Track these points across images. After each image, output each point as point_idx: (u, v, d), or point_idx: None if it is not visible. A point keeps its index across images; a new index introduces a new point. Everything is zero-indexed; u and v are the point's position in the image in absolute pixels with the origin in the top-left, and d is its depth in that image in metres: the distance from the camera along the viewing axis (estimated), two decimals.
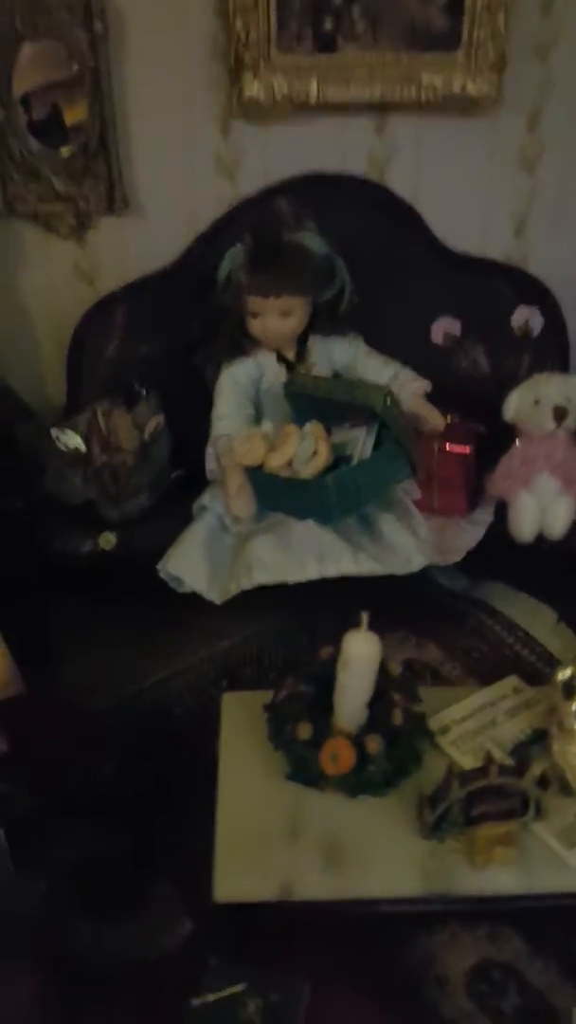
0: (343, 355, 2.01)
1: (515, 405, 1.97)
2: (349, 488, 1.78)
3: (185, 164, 2.03)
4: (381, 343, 2.04)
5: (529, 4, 1.91)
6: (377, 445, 1.83)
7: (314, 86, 1.91)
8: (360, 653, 1.36)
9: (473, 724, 1.53)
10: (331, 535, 1.78)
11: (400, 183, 2.09)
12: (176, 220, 2.05)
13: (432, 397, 1.97)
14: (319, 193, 2.05)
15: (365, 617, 1.36)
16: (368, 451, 1.82)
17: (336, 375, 2.02)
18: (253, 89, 1.90)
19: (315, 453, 1.80)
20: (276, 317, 1.88)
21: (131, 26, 1.89)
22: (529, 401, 1.95)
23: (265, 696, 1.48)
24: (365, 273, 2.01)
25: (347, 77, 1.92)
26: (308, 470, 1.79)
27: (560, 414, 1.91)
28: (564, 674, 1.41)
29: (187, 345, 2.02)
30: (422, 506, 1.97)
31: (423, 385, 1.97)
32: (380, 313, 2.06)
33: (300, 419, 1.88)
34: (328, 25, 1.88)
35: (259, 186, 2.05)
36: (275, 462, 1.80)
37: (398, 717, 1.39)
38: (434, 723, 1.51)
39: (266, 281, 1.84)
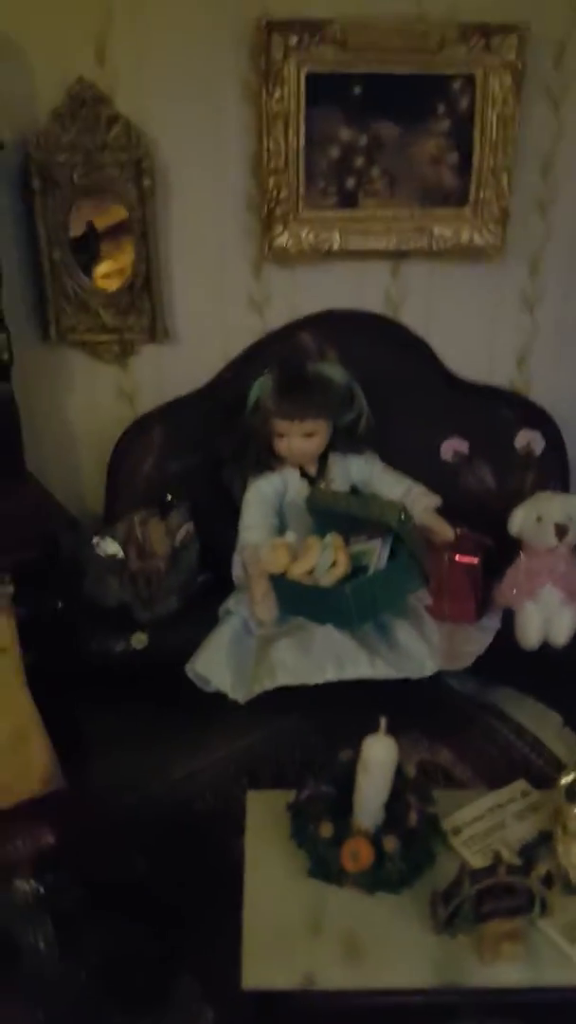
0: (360, 471, 2.18)
1: (519, 521, 2.12)
2: (366, 597, 1.91)
3: (220, 300, 2.25)
4: (396, 460, 2.22)
5: (530, 166, 2.16)
6: (392, 556, 1.97)
7: (337, 237, 2.15)
8: (378, 757, 1.47)
9: (484, 825, 1.62)
10: (349, 640, 1.91)
11: (413, 319, 2.30)
12: (210, 349, 2.26)
13: (442, 511, 2.12)
14: (340, 327, 2.26)
15: (384, 722, 1.48)
16: (384, 562, 1.97)
17: (354, 489, 2.19)
18: (283, 239, 2.13)
19: (335, 563, 1.94)
20: (300, 438, 2.06)
21: (175, 181, 2.13)
22: (532, 518, 2.10)
23: (287, 796, 1.58)
24: (381, 398, 2.20)
25: (366, 229, 2.16)
26: (328, 579, 1.93)
27: (561, 531, 2.06)
28: (567, 779, 1.52)
29: (216, 461, 2.19)
30: (434, 613, 2.09)
31: (434, 500, 2.13)
32: (395, 433, 2.24)
33: (321, 530, 2.03)
34: (351, 183, 2.13)
35: (286, 320, 2.27)
36: (298, 570, 1.95)
37: (413, 818, 1.49)
38: (447, 824, 1.59)
39: (292, 406, 2.03)
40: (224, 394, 2.23)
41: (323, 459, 2.15)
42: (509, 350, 2.37)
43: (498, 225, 2.15)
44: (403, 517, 1.92)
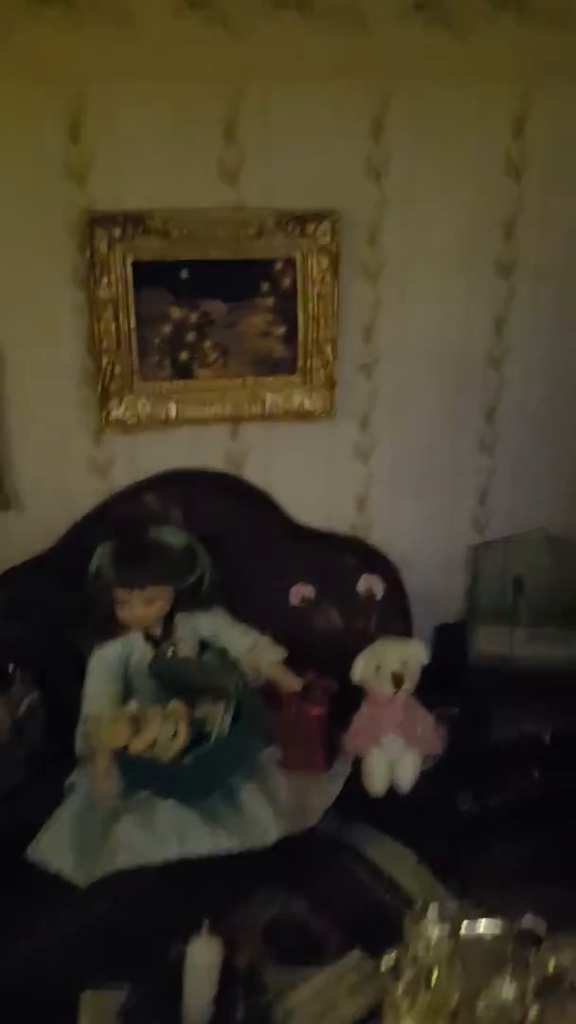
0: (207, 627, 2.24)
1: (360, 670, 2.20)
2: (206, 769, 1.96)
3: (62, 466, 2.29)
4: (246, 608, 2.29)
5: (354, 334, 2.31)
6: (236, 718, 2.03)
7: (173, 408, 2.23)
8: (202, 960, 1.50)
9: (318, 1005, 1.64)
10: (192, 814, 1.92)
11: (255, 474, 2.40)
12: (53, 513, 2.28)
13: (293, 652, 2.22)
14: (184, 486, 2.33)
15: (206, 924, 1.51)
16: (227, 726, 2.02)
17: (203, 645, 2.24)
18: (119, 412, 2.20)
19: (176, 734, 1.98)
20: (142, 605, 2.11)
21: (11, 358, 2.16)
22: (372, 667, 2.18)
23: (119, 996, 1.58)
24: (229, 550, 2.28)
25: (202, 399, 2.25)
26: (169, 752, 1.96)
27: (398, 681, 2.15)
28: (390, 960, 1.57)
29: (61, 625, 2.20)
30: (284, 763, 2.15)
31: (279, 653, 2.22)
32: (244, 582, 2.32)
33: (166, 694, 2.07)
34: (184, 357, 2.22)
35: (129, 482, 2.32)
36: (139, 745, 1.97)
37: (240, 1014, 1.52)
38: (282, 1007, 1.62)
39: (131, 575, 2.08)
40: (68, 558, 2.25)
41: (169, 618, 2.20)
42: (348, 497, 2.49)
43: (326, 390, 2.28)
44: (240, 686, 1.99)
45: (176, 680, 2.08)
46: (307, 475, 2.43)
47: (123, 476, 2.32)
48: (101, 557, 2.13)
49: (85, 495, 2.31)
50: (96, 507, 2.30)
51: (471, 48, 2.05)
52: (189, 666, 2.10)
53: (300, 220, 2.10)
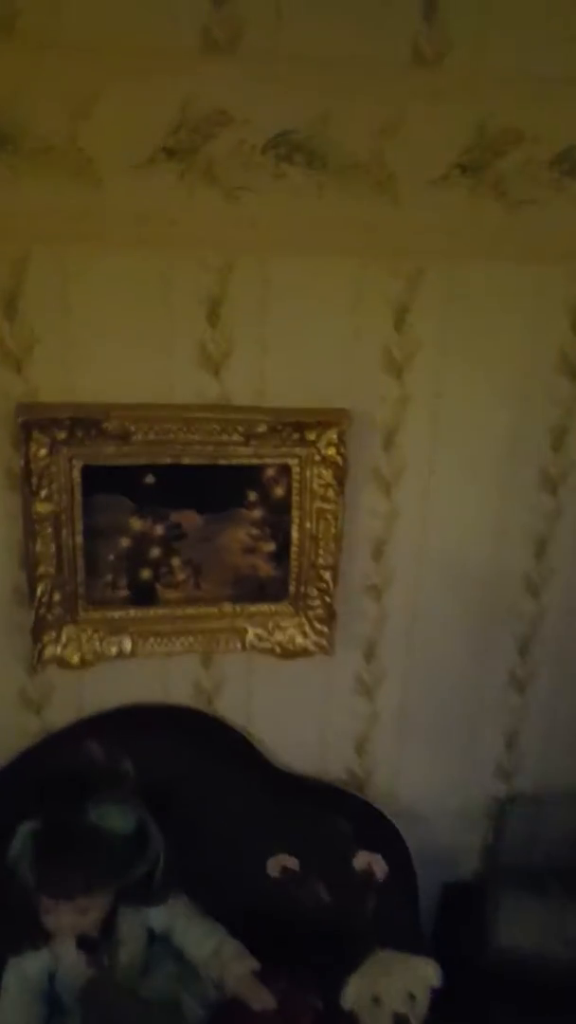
0: (160, 921, 1.75)
1: (352, 999, 1.69)
2: None
3: None
4: (213, 878, 1.80)
5: (362, 551, 1.85)
6: None
7: (128, 642, 1.76)
8: None
9: None
10: None
11: (230, 709, 1.93)
12: None
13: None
14: (138, 727, 1.86)
15: None
16: None
17: (152, 937, 1.74)
18: (55, 649, 1.73)
19: None
20: (71, 914, 1.61)
21: None
22: (367, 997, 1.67)
23: None
24: (192, 809, 1.81)
25: (166, 630, 1.77)
26: None
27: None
28: None
29: None
30: None
31: (248, 965, 1.71)
32: (211, 846, 1.83)
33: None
34: (146, 575, 1.76)
35: (70, 719, 1.85)
36: None
37: None
38: None
39: (58, 883, 1.58)
40: None
41: (111, 912, 1.70)
42: (346, 738, 2.02)
43: (323, 624, 1.81)
44: None
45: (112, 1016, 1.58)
46: (296, 711, 1.96)
47: (63, 713, 1.85)
48: (23, 843, 1.63)
49: (11, 734, 1.83)
50: (23, 753, 1.82)
51: (525, 222, 1.63)
52: (130, 1008, 1.59)
53: (299, 426, 1.65)
